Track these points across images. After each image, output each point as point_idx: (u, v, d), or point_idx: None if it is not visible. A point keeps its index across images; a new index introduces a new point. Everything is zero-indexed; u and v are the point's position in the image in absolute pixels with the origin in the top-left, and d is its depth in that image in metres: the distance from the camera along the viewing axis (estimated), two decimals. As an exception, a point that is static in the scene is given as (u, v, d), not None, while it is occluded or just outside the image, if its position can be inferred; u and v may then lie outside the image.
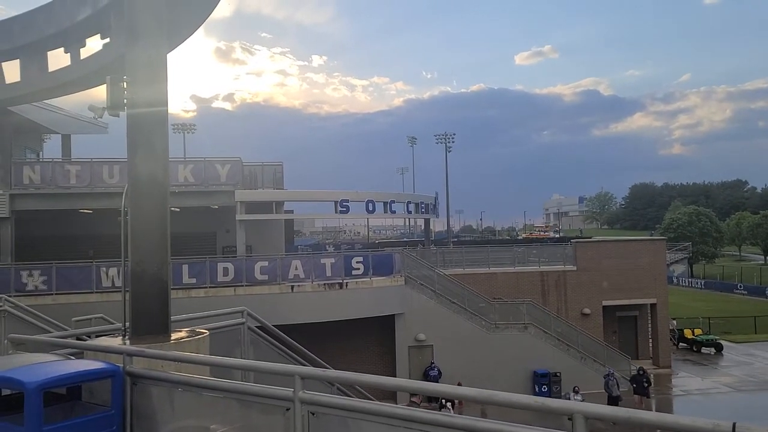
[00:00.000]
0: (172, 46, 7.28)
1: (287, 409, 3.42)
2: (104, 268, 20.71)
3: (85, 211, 23.75)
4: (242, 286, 21.34)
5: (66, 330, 8.47)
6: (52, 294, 19.08)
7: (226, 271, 21.83)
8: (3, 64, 10.81)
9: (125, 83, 5.58)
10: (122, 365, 4.26)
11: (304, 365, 7.33)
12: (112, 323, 8.77)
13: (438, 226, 61.34)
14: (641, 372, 21.93)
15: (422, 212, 31.88)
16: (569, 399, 18.63)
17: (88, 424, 3.99)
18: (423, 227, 46.67)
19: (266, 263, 22.32)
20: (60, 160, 24.99)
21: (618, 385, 21.60)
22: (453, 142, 63.11)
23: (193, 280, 20.93)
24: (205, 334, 5.55)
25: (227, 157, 25.09)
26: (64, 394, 4.39)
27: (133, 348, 4.31)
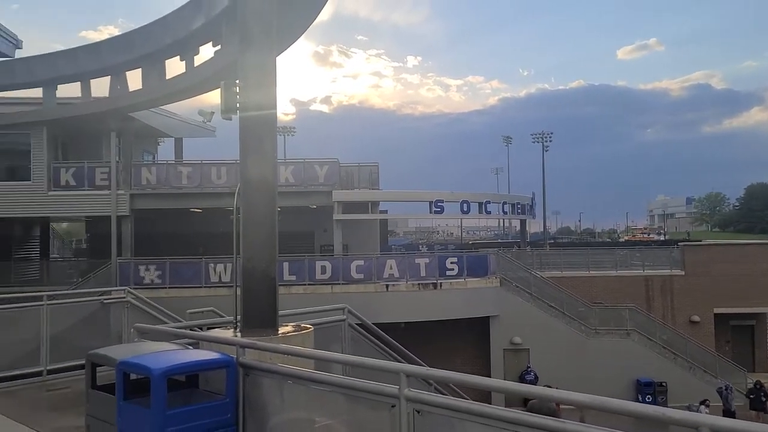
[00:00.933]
0: (280, 51, 7.60)
1: (392, 406, 3.47)
2: (212, 265, 21.94)
3: (195, 210, 25.21)
4: (339, 284, 21.87)
5: (180, 321, 9.05)
6: (165, 288, 20.40)
7: (323, 269, 22.45)
8: (127, 73, 11.73)
9: (238, 88, 5.89)
10: (235, 356, 4.48)
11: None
12: (222, 316, 9.28)
13: (533, 227, 59.88)
14: (759, 386, 20.35)
15: (518, 213, 31.22)
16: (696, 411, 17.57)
17: (205, 410, 4.25)
18: (518, 228, 45.66)
19: (362, 262, 22.73)
20: (173, 162, 26.67)
21: (732, 398, 20.19)
22: (550, 141, 61.26)
23: (293, 278, 21.70)
24: (310, 330, 5.76)
25: (325, 158, 25.76)
26: (184, 381, 4.69)
27: (246, 340, 4.53)
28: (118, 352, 4.58)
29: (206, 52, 10.95)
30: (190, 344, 5.44)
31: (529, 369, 22.44)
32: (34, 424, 6.62)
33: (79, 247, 37.30)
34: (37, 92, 15.68)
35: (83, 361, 9.09)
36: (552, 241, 63.99)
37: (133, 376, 4.45)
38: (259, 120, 5.90)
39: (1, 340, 8.93)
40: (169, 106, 23.56)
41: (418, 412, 3.38)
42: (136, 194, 23.14)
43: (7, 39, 15.59)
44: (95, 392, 4.65)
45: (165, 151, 32.85)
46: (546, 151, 59.98)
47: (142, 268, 21.86)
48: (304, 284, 21.27)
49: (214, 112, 30.09)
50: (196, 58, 10.96)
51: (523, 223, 36.17)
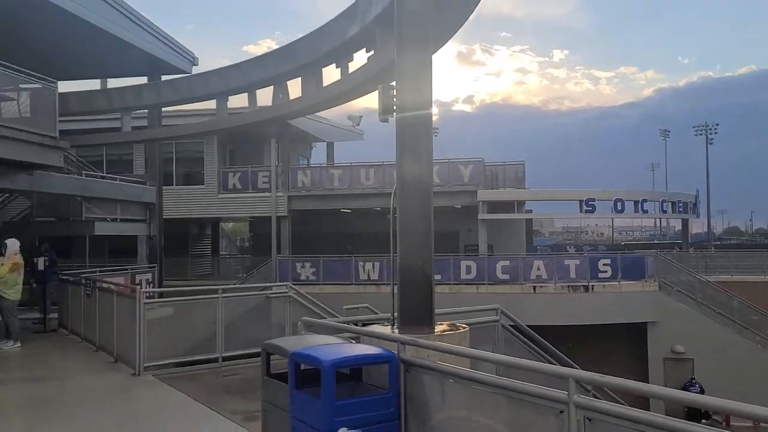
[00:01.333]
0: (435, 50, 7.73)
1: (561, 412, 3.37)
2: (361, 263, 22.79)
3: (345, 210, 26.35)
4: (484, 284, 21.67)
5: (336, 316, 9.49)
6: (319, 284, 21.49)
7: (468, 269, 22.38)
8: (288, 82, 12.58)
9: (394, 90, 6.08)
10: (396, 352, 4.61)
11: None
12: (375, 313, 9.61)
13: (695, 227, 54.92)
14: None
15: (679, 212, 28.84)
16: None
17: (371, 403, 4.42)
18: (678, 229, 42.16)
19: (508, 263, 22.34)
20: (325, 165, 28.11)
21: None
22: (715, 133, 55.88)
23: (438, 276, 21.81)
24: (465, 329, 5.78)
25: (470, 157, 25.67)
26: (348, 374, 4.91)
27: (407, 337, 4.64)
28: (290, 343, 4.91)
29: (359, 58, 11.47)
30: (351, 339, 5.68)
31: (694, 381, 20.61)
32: (213, 406, 7.29)
33: (242, 245, 40.62)
34: (208, 104, 17.37)
35: (251, 350, 9.92)
36: (718, 243, 58.32)
37: (302, 366, 4.74)
38: (415, 120, 6.03)
39: (185, 328, 9.98)
40: (323, 112, 24.90)
41: (589, 420, 3.25)
42: (293, 196, 24.74)
43: (185, 57, 17.46)
44: (270, 380, 5.02)
45: (317, 154, 34.74)
46: (710, 144, 54.82)
47: (298, 265, 23.29)
48: (449, 283, 21.34)
49: (362, 117, 31.21)
50: (350, 64, 11.49)
51: (685, 222, 33.40)
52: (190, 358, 9.53)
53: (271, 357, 5.15)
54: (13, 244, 11.20)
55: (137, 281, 15.27)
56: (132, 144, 22.97)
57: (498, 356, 4.11)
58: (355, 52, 11.44)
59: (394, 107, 6.12)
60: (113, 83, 20.66)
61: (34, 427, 6.71)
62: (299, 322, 6.04)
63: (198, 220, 28.39)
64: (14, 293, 10.95)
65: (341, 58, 11.53)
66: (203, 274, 27.15)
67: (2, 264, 10.72)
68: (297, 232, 25.20)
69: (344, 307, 9.13)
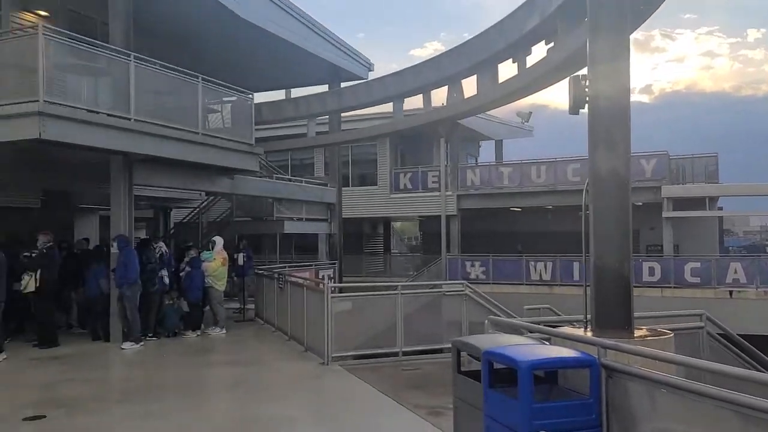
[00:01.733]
0: (632, 31, 7.23)
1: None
2: (532, 263, 22.19)
3: (515, 209, 25.81)
4: (669, 287, 19.96)
5: (514, 316, 9.29)
6: (489, 283, 21.28)
7: (651, 270, 20.80)
8: (462, 81, 12.63)
9: (586, 81, 5.78)
10: (597, 356, 4.36)
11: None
12: (558, 314, 9.26)
13: None
14: None
15: None
16: None
17: (570, 408, 4.24)
18: None
19: (698, 264, 20.37)
20: (494, 163, 27.79)
21: None
22: None
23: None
24: (669, 335, 5.33)
25: (653, 151, 23.75)
26: (542, 376, 4.76)
27: (609, 341, 4.39)
28: (482, 341, 4.87)
29: (537, 51, 11.16)
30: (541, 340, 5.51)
31: None
32: (397, 398, 7.50)
33: (410, 243, 41.62)
34: (380, 108, 18.05)
35: (430, 346, 10.08)
36: None
37: (497, 366, 4.67)
38: (611, 109, 5.67)
39: (366, 322, 10.43)
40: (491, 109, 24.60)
41: None
42: (462, 195, 24.78)
43: (362, 64, 18.34)
44: (461, 377, 5.03)
45: (485, 153, 34.46)
46: None
47: (468, 264, 23.30)
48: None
49: (531, 113, 30.28)
50: (528, 58, 11.21)
51: None
52: (372, 351, 9.93)
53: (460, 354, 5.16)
54: (219, 242, 12.55)
55: (320, 276, 16.30)
56: (313, 148, 24.61)
57: (727, 368, 3.70)
58: (534, 45, 11.12)
59: (586, 98, 5.81)
60: (295, 92, 22.38)
61: (245, 405, 7.42)
62: (486, 321, 5.99)
63: (371, 220, 29.60)
64: (222, 285, 12.29)
65: (518, 52, 11.27)
66: (376, 271, 28.23)
67: (214, 259, 12.05)
68: (466, 231, 25.20)
69: (525, 307, 8.91)
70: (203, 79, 11.63)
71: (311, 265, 17.38)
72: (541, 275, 22.10)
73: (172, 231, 18.04)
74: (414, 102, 14.92)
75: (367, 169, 27.28)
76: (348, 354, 9.64)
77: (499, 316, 9.93)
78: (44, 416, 6.70)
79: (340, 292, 10.42)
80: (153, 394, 7.87)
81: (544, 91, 12.47)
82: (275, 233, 19.12)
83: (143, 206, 14.18)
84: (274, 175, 18.34)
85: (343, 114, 18.41)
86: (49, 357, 9.89)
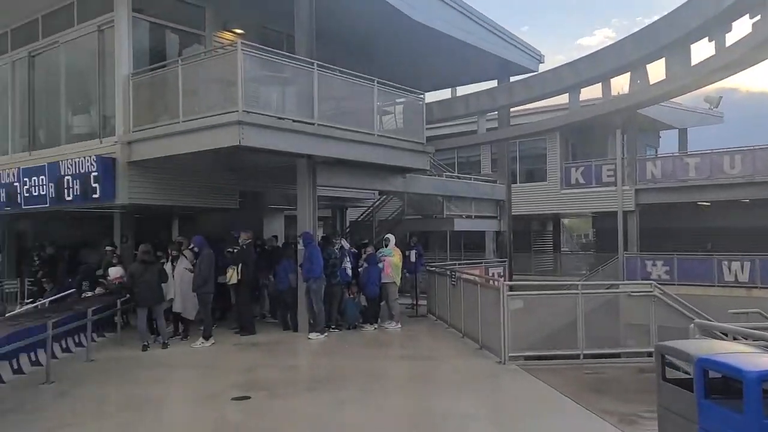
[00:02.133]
0: None
1: None
2: (725, 262, 20.04)
3: (703, 203, 23.46)
4: None
5: (710, 320, 8.41)
6: (674, 284, 19.54)
7: None
8: (647, 66, 11.71)
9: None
10: None
11: None
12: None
13: None
14: None
15: None
16: None
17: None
18: None
19: None
20: (678, 154, 25.49)
21: None
22: None
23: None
24: None
25: None
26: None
27: None
28: (693, 347, 4.46)
29: (739, 27, 9.95)
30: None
31: None
32: (582, 402, 7.15)
33: (580, 241, 39.70)
34: (551, 100, 17.39)
35: (614, 350, 9.51)
36: None
37: (713, 375, 4.25)
38: None
39: (542, 321, 10.10)
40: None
41: None
42: (641, 189, 23.05)
43: (532, 56, 17.83)
44: (666, 384, 4.65)
45: (665, 143, 31.71)
46: None
47: (648, 263, 21.64)
48: None
49: (721, 97, 27.33)
50: (727, 36, 10.07)
51: None
52: (549, 352, 9.60)
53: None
54: (392, 239, 12.94)
55: (490, 274, 16.14)
56: (479, 146, 24.41)
57: None
58: (735, 20, 9.97)
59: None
60: (461, 90, 22.37)
61: (422, 399, 7.56)
62: (691, 326, 5.48)
63: (540, 217, 28.67)
64: (399, 279, 12.67)
65: (716, 30, 10.17)
66: (545, 270, 27.31)
67: (393, 255, 12.46)
68: (645, 228, 23.39)
69: (729, 311, 8.05)
70: (378, 82, 12.04)
71: (480, 263, 17.26)
72: (736, 276, 19.86)
73: (347, 229, 18.96)
74: (586, 92, 14.21)
75: (535, 164, 26.45)
76: (523, 354, 9.41)
77: (690, 319, 9.10)
78: (249, 397, 7.38)
79: (511, 290, 10.21)
80: (339, 383, 8.31)
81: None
82: (445, 231, 19.27)
83: (322, 206, 15.06)
84: (444, 174, 18.49)
85: (512, 109, 18.08)
86: (249, 344, 10.89)
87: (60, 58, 13.13)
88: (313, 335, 11.18)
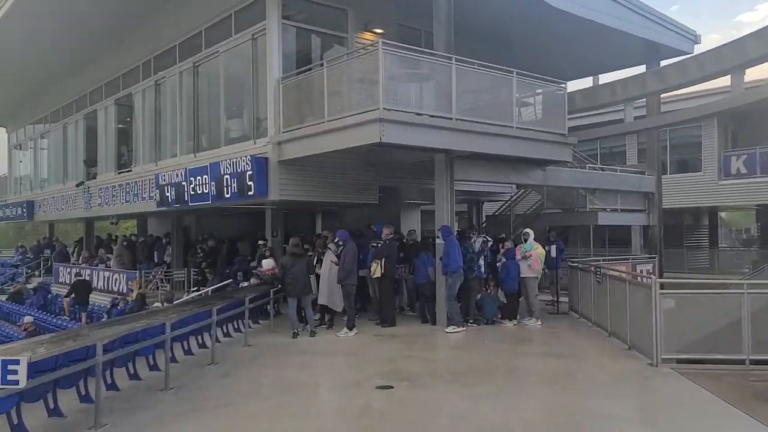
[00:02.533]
0: None
1: None
2: None
3: None
4: None
5: None
6: None
7: None
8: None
9: None
10: None
11: None
12: None
13: None
14: None
15: None
16: None
17: None
18: None
19: None
20: None
21: None
22: None
23: None
24: None
25: None
26: None
27: None
28: None
29: None
30: None
31: None
32: (750, 412, 6.57)
33: (741, 236, 36.13)
34: (705, 84, 15.94)
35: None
36: None
37: None
38: None
39: (699, 323, 9.36)
40: None
41: None
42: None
43: (686, 36, 16.48)
44: None
45: None
46: None
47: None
48: None
49: None
50: None
51: None
52: (708, 356, 8.88)
53: None
54: (531, 233, 12.65)
55: (638, 271, 15.20)
56: (624, 135, 23.05)
57: None
58: None
59: None
60: (604, 78, 21.24)
61: (566, 398, 7.33)
62: None
63: (693, 210, 26.45)
64: (538, 276, 12.40)
65: None
66: (699, 268, 25.17)
67: (537, 248, 12.22)
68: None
69: None
70: (517, 73, 11.81)
71: (627, 259, 16.30)
72: None
73: (484, 224, 18.81)
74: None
75: (688, 153, 24.39)
76: (677, 356, 8.79)
77: None
78: (392, 387, 7.62)
79: (663, 288, 9.55)
80: (479, 377, 8.31)
81: None
82: (587, 225, 18.44)
83: (458, 200, 15.06)
84: (588, 165, 17.69)
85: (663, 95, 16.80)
86: (389, 335, 11.22)
87: (219, 67, 14.34)
88: (450, 329, 11.26)
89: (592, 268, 12.28)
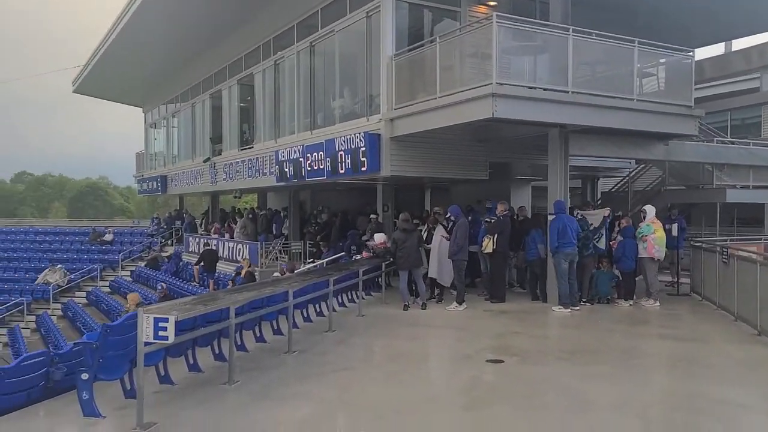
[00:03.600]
0: None
1: None
2: None
3: None
4: None
5: None
6: None
7: None
8: None
9: None
10: None
11: None
12: None
13: None
14: None
15: None
16: None
17: None
18: None
19: None
20: None
21: None
22: None
23: None
24: None
25: None
26: None
27: None
28: None
29: None
30: None
31: None
32: None
33: None
34: None
35: None
36: None
37: None
38: None
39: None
40: None
41: None
42: None
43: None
44: None
45: None
46: None
47: None
48: None
49: None
50: None
51: None
52: None
53: None
54: (651, 210, 12.07)
55: (772, 252, 14.05)
56: (760, 106, 21.15)
57: None
58: None
59: None
60: (737, 44, 19.51)
61: (687, 382, 7.06)
62: None
63: None
64: (663, 254, 11.83)
65: None
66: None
67: (654, 232, 11.66)
68: None
69: None
70: (639, 43, 11.21)
71: (760, 239, 15.10)
72: None
73: (599, 201, 18.12)
74: None
75: None
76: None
77: None
78: (502, 361, 7.70)
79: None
80: (591, 356, 8.19)
81: None
82: (714, 203, 17.22)
83: (572, 176, 14.59)
84: (715, 139, 16.47)
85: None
86: (498, 311, 11.27)
87: (335, 46, 14.79)
88: (555, 308, 11.09)
89: (718, 248, 11.55)
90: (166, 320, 5.09)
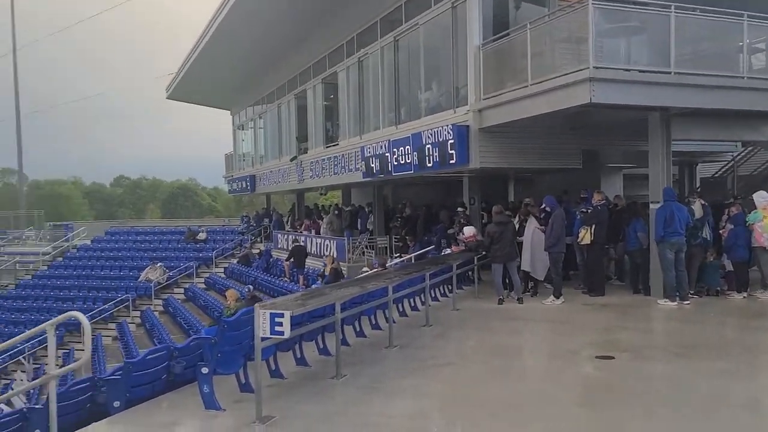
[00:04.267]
0: None
1: None
2: None
3: None
4: None
5: None
6: None
7: None
8: None
9: None
10: None
11: None
12: None
13: None
14: None
15: None
16: None
17: None
18: None
19: None
20: None
21: None
22: None
23: None
24: None
25: None
26: None
27: None
28: None
29: None
30: None
31: None
32: None
33: None
34: None
35: None
36: None
37: None
38: None
39: None
40: None
41: None
42: None
43: None
44: None
45: None
46: None
47: None
48: None
49: None
50: None
51: None
52: None
53: None
54: (761, 196, 11.21)
55: None
56: None
57: None
58: None
59: None
60: None
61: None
62: None
63: None
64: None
65: None
66: None
67: (764, 217, 10.83)
68: None
69: None
70: (748, 16, 10.44)
71: None
72: None
73: (698, 188, 17.09)
74: None
75: None
76: None
77: None
78: (613, 357, 7.36)
79: None
80: (710, 352, 7.70)
81: None
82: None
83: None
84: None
85: None
86: (599, 304, 10.84)
87: (419, 39, 14.68)
88: (662, 301, 10.52)
89: None
90: (282, 315, 5.19)
